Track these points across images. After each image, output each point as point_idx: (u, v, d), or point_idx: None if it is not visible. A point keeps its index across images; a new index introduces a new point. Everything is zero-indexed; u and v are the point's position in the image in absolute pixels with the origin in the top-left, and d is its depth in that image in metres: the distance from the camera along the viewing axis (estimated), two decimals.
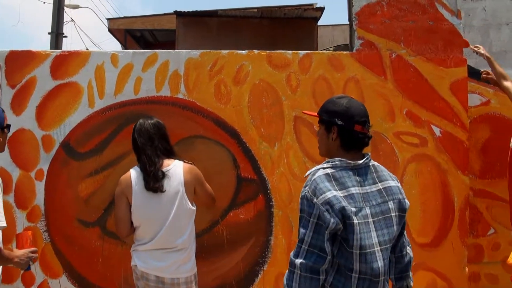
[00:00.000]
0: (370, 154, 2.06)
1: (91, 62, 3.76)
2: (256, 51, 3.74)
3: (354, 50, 3.78)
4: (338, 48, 4.63)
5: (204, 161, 3.68)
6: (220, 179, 3.67)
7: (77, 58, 3.77)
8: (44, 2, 16.30)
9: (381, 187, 2.00)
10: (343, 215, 1.83)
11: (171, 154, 2.99)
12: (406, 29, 3.83)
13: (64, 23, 9.99)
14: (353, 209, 1.86)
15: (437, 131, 3.81)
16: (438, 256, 3.83)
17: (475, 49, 3.79)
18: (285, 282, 1.91)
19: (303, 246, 1.88)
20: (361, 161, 2.00)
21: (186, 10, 7.15)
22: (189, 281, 2.95)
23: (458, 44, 3.88)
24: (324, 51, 3.82)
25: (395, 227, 1.97)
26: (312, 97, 3.72)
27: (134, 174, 2.89)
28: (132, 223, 2.92)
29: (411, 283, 2.12)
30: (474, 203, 4.40)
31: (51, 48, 9.99)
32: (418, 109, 3.81)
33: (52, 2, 9.51)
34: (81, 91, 3.75)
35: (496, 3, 4.56)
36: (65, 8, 10.84)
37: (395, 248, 2.06)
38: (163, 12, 7.79)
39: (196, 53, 3.73)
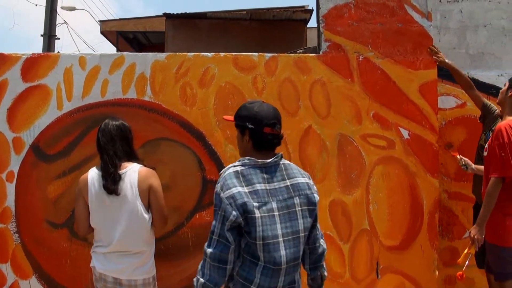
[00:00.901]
0: (281, 154, 2.24)
1: (60, 65, 3.81)
2: (222, 54, 3.76)
3: (321, 53, 3.76)
4: (307, 50, 4.62)
5: (170, 163, 3.72)
6: (185, 181, 3.70)
7: (47, 60, 3.82)
8: (36, 5, 16.42)
9: (288, 183, 2.18)
10: (244, 209, 2.02)
11: (132, 158, 3.02)
12: (374, 32, 3.82)
13: (57, 25, 10.05)
14: (256, 204, 2.05)
15: (405, 133, 3.80)
16: (406, 259, 3.82)
17: (435, 57, 3.76)
18: (199, 268, 2.11)
19: (213, 237, 2.09)
20: (269, 160, 2.17)
21: (175, 12, 7.18)
22: (146, 283, 2.98)
23: (427, 46, 3.87)
24: (291, 54, 3.81)
25: (300, 220, 2.16)
26: (278, 99, 3.73)
27: (91, 174, 2.94)
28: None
29: (325, 273, 2.36)
30: (449, 206, 4.39)
31: (43, 50, 10.07)
32: (385, 112, 3.80)
33: (44, 5, 9.57)
34: (50, 93, 3.80)
35: (473, 5, 4.54)
36: (61, 10, 10.92)
37: (309, 240, 2.25)
38: (160, 14, 7.78)
39: (162, 55, 3.77)
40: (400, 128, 3.82)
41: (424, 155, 3.82)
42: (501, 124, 3.21)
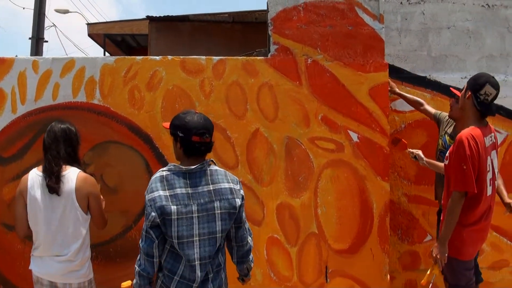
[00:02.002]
0: (209, 160, 2.50)
1: (14, 69, 3.90)
2: (169, 57, 3.82)
3: (269, 56, 3.79)
4: (259, 53, 4.64)
5: (118, 166, 3.78)
6: (133, 184, 3.76)
7: (3, 65, 3.92)
8: (24, 8, 16.71)
9: (211, 188, 2.42)
10: (162, 211, 2.31)
11: (73, 162, 3.09)
12: (324, 35, 3.84)
13: (46, 28, 10.22)
14: (174, 207, 2.33)
15: (354, 136, 3.81)
16: (356, 263, 3.84)
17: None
18: (138, 258, 2.45)
19: (143, 232, 2.38)
20: (193, 167, 2.42)
21: (158, 15, 7.26)
22: (82, 287, 3.05)
23: (379, 49, 3.88)
24: (238, 57, 3.84)
25: (218, 222, 2.41)
26: (225, 102, 3.77)
27: (31, 175, 3.04)
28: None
29: (251, 264, 2.68)
30: (409, 209, 4.39)
31: (31, 53, 10.21)
32: (334, 115, 3.81)
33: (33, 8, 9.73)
34: (6, 97, 3.89)
35: (436, 7, 4.54)
36: (56, 12, 11.09)
37: (236, 239, 2.56)
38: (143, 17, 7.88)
39: (111, 59, 3.84)
40: (349, 131, 3.82)
41: (374, 158, 3.82)
42: (463, 133, 3.04)
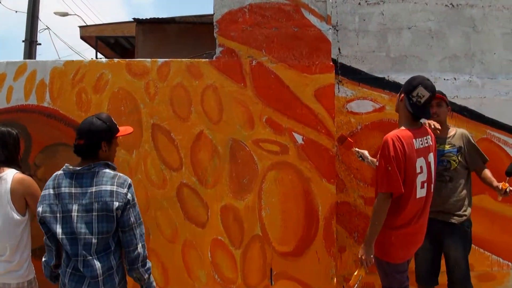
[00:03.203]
0: (100, 163, 2.64)
1: None
2: (116, 60, 3.90)
3: (214, 58, 3.82)
4: (209, 55, 4.67)
5: None
6: None
7: None
8: (16, 11, 17.04)
9: (94, 190, 2.52)
10: (43, 210, 2.52)
11: (11, 164, 3.17)
12: (269, 36, 3.86)
13: (39, 31, 10.44)
14: (55, 205, 2.52)
15: (299, 138, 3.81)
16: (301, 265, 3.84)
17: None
18: None
19: None
20: (79, 168, 2.59)
21: (145, 18, 7.37)
22: (20, 287, 3.10)
23: (325, 50, 3.88)
24: (183, 59, 3.88)
25: (95, 224, 2.51)
26: (169, 104, 3.83)
27: None
28: None
29: (144, 275, 2.68)
30: (365, 211, 4.38)
31: (24, 56, 10.39)
32: (278, 116, 3.82)
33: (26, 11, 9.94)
34: None
35: (396, 7, 4.51)
36: (55, 14, 11.32)
37: (123, 244, 2.61)
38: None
39: (61, 62, 3.95)
40: (294, 133, 3.82)
41: (319, 161, 3.81)
42: (389, 134, 3.04)
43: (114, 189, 2.53)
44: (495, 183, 3.55)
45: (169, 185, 3.87)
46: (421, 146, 3.08)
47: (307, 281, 3.88)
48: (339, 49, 4.48)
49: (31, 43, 10.32)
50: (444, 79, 4.54)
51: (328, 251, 3.85)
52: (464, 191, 3.68)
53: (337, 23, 4.48)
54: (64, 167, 2.60)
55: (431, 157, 3.16)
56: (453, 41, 4.63)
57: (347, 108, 4.43)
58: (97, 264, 2.50)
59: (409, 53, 4.56)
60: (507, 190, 3.41)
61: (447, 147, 3.67)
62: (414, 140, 3.04)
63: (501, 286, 4.67)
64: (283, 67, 3.86)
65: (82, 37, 9.73)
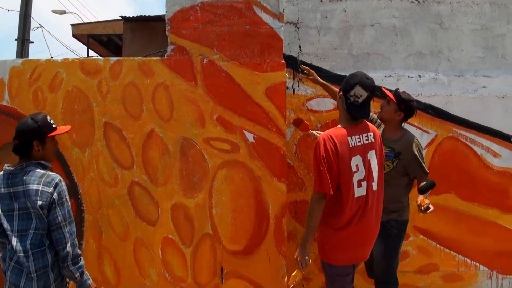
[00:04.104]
0: (31, 163, 2.70)
1: None
2: (70, 58, 3.84)
3: (166, 56, 3.74)
4: (164, 53, 4.58)
5: None
6: None
7: None
8: (8, 10, 17.12)
9: (24, 189, 2.60)
10: None
11: None
12: (220, 34, 3.78)
13: (32, 29, 10.48)
14: (1, 204, 2.60)
15: (250, 137, 3.73)
16: (251, 264, 3.78)
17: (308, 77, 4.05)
18: None
19: None
20: (13, 168, 2.67)
21: (132, 16, 7.34)
22: None
23: (277, 48, 3.78)
24: (135, 58, 3.82)
25: (34, 220, 2.60)
26: (121, 103, 3.79)
27: None
28: None
29: (76, 274, 2.69)
30: None
31: (17, 55, 10.39)
32: (229, 115, 3.74)
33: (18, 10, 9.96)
34: None
35: (359, 4, 4.40)
36: (52, 13, 11.33)
37: (53, 242, 2.65)
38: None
39: (19, 61, 3.95)
40: (244, 132, 3.75)
41: (270, 159, 3.72)
42: (322, 134, 2.97)
43: (40, 188, 2.58)
44: (418, 198, 3.38)
45: (120, 184, 3.83)
46: (358, 144, 2.95)
47: (257, 280, 3.80)
48: (300, 46, 4.39)
49: (23, 42, 10.34)
50: (408, 76, 4.40)
51: (278, 250, 3.77)
52: (400, 194, 3.60)
53: (298, 20, 4.38)
54: (6, 166, 2.67)
55: (372, 154, 3.01)
56: (418, 38, 4.48)
57: (307, 106, 4.33)
58: (32, 261, 2.57)
59: (372, 50, 4.43)
60: (424, 207, 3.23)
61: (386, 150, 3.50)
62: (349, 138, 2.92)
63: (468, 286, 4.52)
64: (234, 65, 3.78)
65: (74, 35, 9.75)
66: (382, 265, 3.65)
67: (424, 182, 3.44)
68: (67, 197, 2.74)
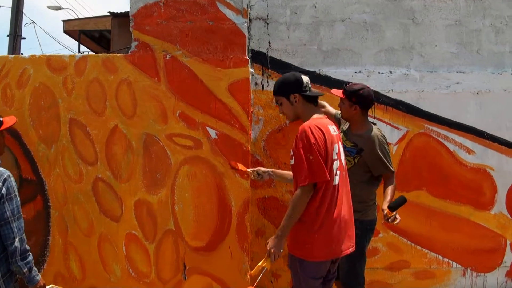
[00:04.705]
0: None
1: None
2: (37, 55, 3.79)
3: (129, 52, 3.65)
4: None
5: None
6: None
7: None
8: (0, 6, 17.01)
9: None
10: None
11: None
12: (183, 30, 3.69)
13: (24, 25, 10.41)
14: None
15: (212, 133, 3.64)
16: (214, 260, 3.73)
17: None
18: None
19: None
20: None
21: (120, 11, 7.26)
22: None
23: (240, 44, 3.70)
24: (99, 54, 3.73)
25: None
26: (86, 99, 3.74)
27: None
28: None
29: (24, 270, 2.62)
30: None
31: (9, 51, 10.30)
32: (192, 111, 3.65)
33: (10, 6, 9.91)
34: None
35: None
36: (48, 9, 11.30)
37: (2, 237, 2.59)
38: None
39: None
40: (207, 128, 3.67)
41: (233, 155, 3.65)
42: (305, 124, 2.80)
43: None
44: (385, 205, 3.25)
45: (85, 179, 3.78)
46: (334, 133, 2.88)
47: (220, 276, 3.73)
48: (269, 42, 4.27)
49: (15, 38, 10.26)
50: (379, 72, 4.27)
51: (241, 246, 3.69)
52: (362, 193, 3.42)
53: (267, 16, 4.26)
54: None
55: (340, 145, 2.94)
56: (390, 34, 4.34)
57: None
58: None
59: (342, 46, 4.30)
60: (391, 218, 3.11)
61: (348, 144, 3.40)
62: (329, 126, 2.86)
63: (441, 284, 4.37)
64: (197, 61, 3.69)
65: (65, 31, 9.66)
66: (345, 268, 3.45)
67: (394, 200, 3.27)
68: (16, 192, 2.71)
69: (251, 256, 4.30)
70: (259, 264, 2.86)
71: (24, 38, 10.76)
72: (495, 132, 4.49)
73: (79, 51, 10.67)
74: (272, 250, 2.79)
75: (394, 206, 3.21)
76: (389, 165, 3.45)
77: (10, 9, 9.72)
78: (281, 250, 2.82)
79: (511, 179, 4.54)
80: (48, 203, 3.87)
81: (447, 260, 4.46)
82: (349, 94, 3.43)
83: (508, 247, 4.56)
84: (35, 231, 3.88)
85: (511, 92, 4.52)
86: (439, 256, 4.44)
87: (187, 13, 3.82)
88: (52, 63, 3.88)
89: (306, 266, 2.82)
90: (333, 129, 2.91)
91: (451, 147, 4.41)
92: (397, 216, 3.20)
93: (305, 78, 2.94)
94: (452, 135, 4.41)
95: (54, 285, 3.14)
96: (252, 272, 2.93)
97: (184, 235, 3.79)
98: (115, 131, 3.82)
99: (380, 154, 3.41)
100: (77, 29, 9.64)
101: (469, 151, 4.44)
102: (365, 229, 3.44)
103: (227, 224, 3.76)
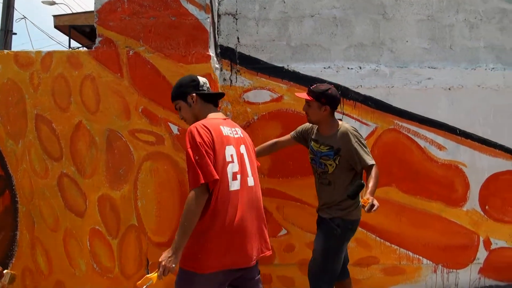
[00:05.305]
0: None
1: None
2: (5, 51, 3.73)
3: (94, 48, 3.56)
4: None
5: None
6: None
7: None
8: None
9: None
10: None
11: None
12: (146, 26, 3.61)
13: (16, 21, 10.31)
14: None
15: (174, 129, 3.59)
16: None
17: None
18: None
19: None
20: None
21: None
22: None
23: (202, 40, 3.61)
24: (65, 50, 3.64)
25: None
26: (51, 95, 3.70)
27: None
28: None
29: None
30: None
31: None
32: (154, 107, 3.56)
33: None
34: None
35: None
36: (42, 4, 11.23)
37: None
38: None
39: None
40: (169, 124, 3.58)
41: None
42: (192, 125, 2.60)
43: None
44: (364, 195, 3.02)
45: (50, 175, 3.72)
46: (230, 135, 2.67)
47: None
48: (238, 38, 4.15)
49: (6, 33, 10.14)
50: (348, 68, 4.14)
51: None
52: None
53: (236, 11, 4.16)
54: None
55: (243, 149, 2.72)
56: (359, 29, 4.20)
57: (244, 98, 4.12)
58: None
59: (311, 41, 4.17)
60: (367, 207, 2.88)
61: (324, 149, 3.30)
62: (221, 127, 2.63)
63: (411, 280, 4.24)
64: (159, 57, 3.60)
65: (56, 27, 9.55)
66: (318, 261, 3.33)
67: (351, 187, 3.11)
68: None
69: None
70: (149, 275, 2.52)
71: (15, 34, 10.66)
72: (468, 128, 4.34)
73: (69, 46, 10.62)
74: (163, 263, 2.44)
75: (351, 194, 3.06)
76: (366, 159, 3.23)
77: (1, 4, 9.73)
78: (174, 265, 2.45)
79: (484, 176, 4.38)
80: (16, 198, 3.83)
81: (417, 256, 4.32)
82: (318, 95, 3.27)
83: (481, 244, 4.42)
84: (3, 226, 3.85)
85: (485, 88, 4.36)
86: (409, 252, 4.31)
87: (150, 9, 3.72)
88: (19, 59, 3.83)
89: (196, 276, 2.51)
90: (229, 130, 2.68)
91: (421, 143, 4.27)
92: (375, 203, 2.91)
93: (202, 79, 2.82)
94: (423, 131, 4.26)
95: (8, 271, 3.04)
96: (139, 282, 2.52)
97: (147, 231, 3.73)
98: (79, 127, 3.76)
99: (358, 148, 3.24)
100: (68, 24, 9.48)
101: (440, 147, 4.29)
102: (346, 228, 3.29)
103: None
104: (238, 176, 2.60)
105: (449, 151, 4.31)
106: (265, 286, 4.20)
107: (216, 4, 4.14)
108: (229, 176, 2.55)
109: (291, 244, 4.16)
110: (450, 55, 4.36)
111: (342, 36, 4.26)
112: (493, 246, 4.42)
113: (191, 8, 3.72)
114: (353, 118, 4.18)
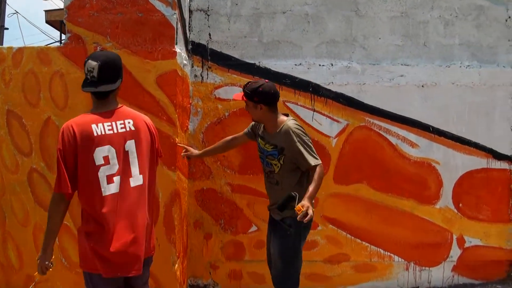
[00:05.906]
0: None
1: None
2: None
3: (62, 44, 3.48)
4: None
5: None
6: None
7: None
8: None
9: None
10: None
11: None
12: (114, 22, 3.55)
13: (8, 16, 10.25)
14: None
15: None
16: None
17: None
18: None
19: None
20: None
21: None
22: None
23: (169, 36, 3.53)
24: (35, 46, 3.59)
25: None
26: (22, 91, 3.69)
27: None
28: None
29: None
30: (233, 199, 4.05)
31: None
32: (120, 103, 3.41)
33: None
34: None
35: None
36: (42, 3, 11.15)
37: None
38: None
39: None
40: None
41: (160, 147, 3.37)
42: (66, 123, 2.45)
43: None
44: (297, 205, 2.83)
45: (21, 170, 3.72)
46: (109, 132, 2.43)
47: None
48: (209, 34, 4.08)
49: None
50: (320, 64, 4.06)
51: (168, 238, 3.55)
52: (296, 192, 2.99)
53: (208, 7, 4.09)
54: None
55: (131, 145, 2.48)
56: (332, 26, 4.11)
57: (215, 95, 4.05)
58: None
59: (283, 38, 4.09)
60: (300, 216, 2.72)
61: (269, 148, 3.19)
62: (93, 125, 2.42)
63: (383, 277, 4.18)
64: (126, 53, 3.54)
65: (47, 21, 9.46)
66: (279, 267, 3.21)
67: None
68: None
69: (190, 247, 4.14)
70: (35, 274, 2.66)
71: (7, 29, 10.56)
72: (441, 126, 4.24)
73: (60, 42, 10.55)
74: (38, 261, 2.56)
75: (279, 207, 2.95)
76: (309, 159, 3.03)
77: None
78: (47, 262, 2.56)
79: (458, 173, 4.26)
80: None
81: (388, 253, 4.23)
82: (250, 94, 3.12)
83: (454, 242, 4.32)
84: None
85: (459, 85, 4.26)
86: (380, 249, 4.22)
87: (118, 5, 3.66)
88: None
89: (92, 276, 2.50)
90: (108, 126, 2.45)
91: (393, 140, 4.18)
92: (309, 211, 2.82)
93: (89, 63, 2.51)
94: (395, 128, 4.17)
95: None
96: (35, 274, 2.64)
97: None
98: (48, 122, 3.72)
99: (301, 147, 3.04)
100: (59, 19, 9.35)
101: (412, 144, 4.19)
102: (299, 227, 3.09)
103: (154, 217, 3.56)
104: (116, 179, 2.41)
105: (422, 148, 4.20)
106: (236, 283, 4.15)
107: (187, 0, 4.05)
108: (102, 180, 2.38)
109: (262, 240, 4.06)
110: (424, 52, 4.24)
111: (314, 32, 4.16)
112: (467, 244, 4.31)
113: (158, 4, 3.64)
114: (324, 115, 4.08)
